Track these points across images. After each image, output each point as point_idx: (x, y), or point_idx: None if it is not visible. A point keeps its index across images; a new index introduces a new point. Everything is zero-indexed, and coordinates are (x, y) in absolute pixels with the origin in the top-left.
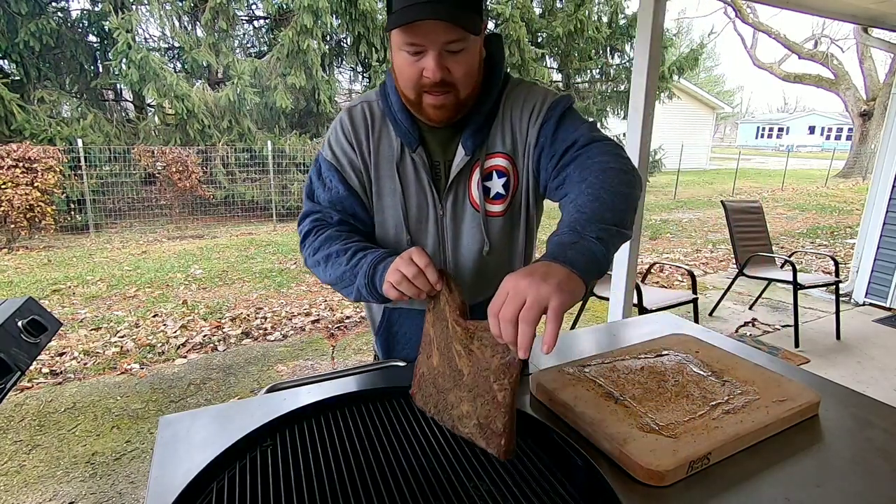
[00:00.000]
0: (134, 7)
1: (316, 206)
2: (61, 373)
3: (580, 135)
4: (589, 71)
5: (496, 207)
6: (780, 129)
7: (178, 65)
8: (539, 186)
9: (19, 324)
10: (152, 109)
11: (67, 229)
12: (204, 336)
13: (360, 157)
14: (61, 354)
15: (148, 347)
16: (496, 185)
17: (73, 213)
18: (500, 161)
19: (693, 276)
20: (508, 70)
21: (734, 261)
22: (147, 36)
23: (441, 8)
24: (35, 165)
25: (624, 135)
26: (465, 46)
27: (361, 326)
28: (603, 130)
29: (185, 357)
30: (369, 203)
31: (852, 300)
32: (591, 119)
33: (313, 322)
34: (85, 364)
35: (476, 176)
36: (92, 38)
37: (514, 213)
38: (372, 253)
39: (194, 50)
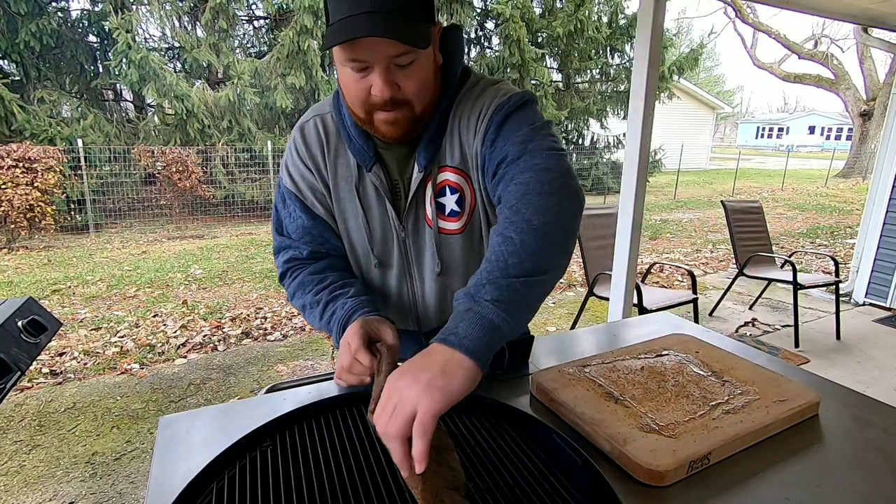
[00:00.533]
0: (134, 7)
1: (286, 240)
2: (61, 373)
3: (511, 147)
4: (589, 71)
5: (451, 225)
6: (780, 129)
7: (178, 65)
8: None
9: (19, 324)
10: (152, 109)
11: (67, 229)
12: (204, 336)
13: (320, 179)
14: (61, 354)
15: (148, 347)
16: (450, 201)
17: (73, 213)
18: (450, 176)
19: (693, 276)
20: (471, 68)
21: (734, 261)
22: (147, 36)
23: (380, 21)
24: (35, 165)
25: (624, 135)
26: (415, 58)
27: None
28: (549, 137)
29: (185, 357)
30: (336, 225)
31: (852, 300)
32: (537, 121)
33: None
34: (85, 364)
35: (429, 191)
36: (92, 38)
37: (472, 231)
38: (340, 309)
39: (194, 50)
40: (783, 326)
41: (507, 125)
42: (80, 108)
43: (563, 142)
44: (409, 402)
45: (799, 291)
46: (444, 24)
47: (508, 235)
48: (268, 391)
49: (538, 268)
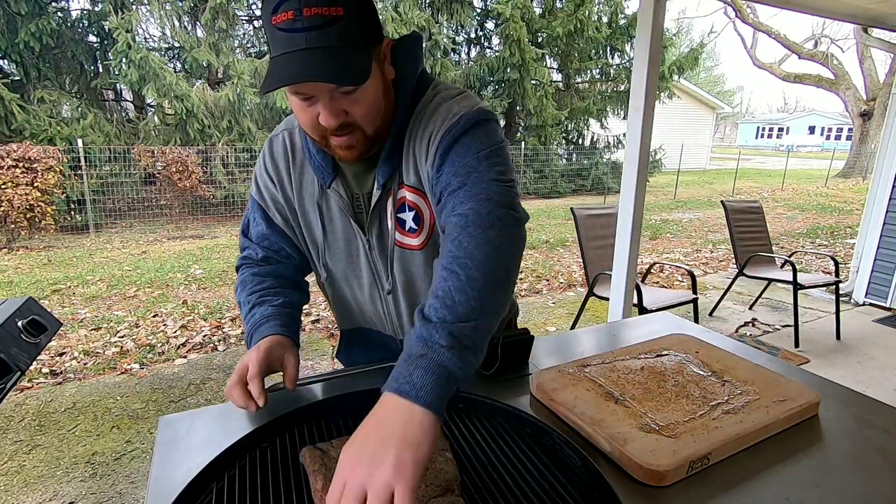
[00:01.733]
0: (134, 7)
1: (247, 241)
2: (61, 373)
3: (454, 177)
4: (589, 71)
5: (412, 241)
6: (780, 129)
7: (178, 65)
8: None
9: (19, 324)
10: (152, 109)
11: (67, 229)
12: (204, 336)
13: (283, 193)
14: (61, 354)
15: (148, 347)
16: (408, 217)
17: (73, 213)
18: (407, 194)
19: (693, 277)
20: (431, 75)
21: (734, 261)
22: (147, 36)
23: (313, 62)
24: (35, 165)
25: (624, 135)
26: (357, 88)
27: None
28: (496, 166)
29: (185, 357)
30: (298, 236)
31: (852, 300)
32: (484, 147)
33: (313, 322)
34: (85, 364)
35: (389, 206)
36: (92, 38)
37: (433, 247)
38: (257, 314)
39: (194, 50)
40: (783, 326)
41: (454, 151)
42: (80, 108)
43: (513, 167)
44: (382, 490)
45: (799, 291)
46: (439, 31)
47: (453, 270)
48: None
49: (485, 307)
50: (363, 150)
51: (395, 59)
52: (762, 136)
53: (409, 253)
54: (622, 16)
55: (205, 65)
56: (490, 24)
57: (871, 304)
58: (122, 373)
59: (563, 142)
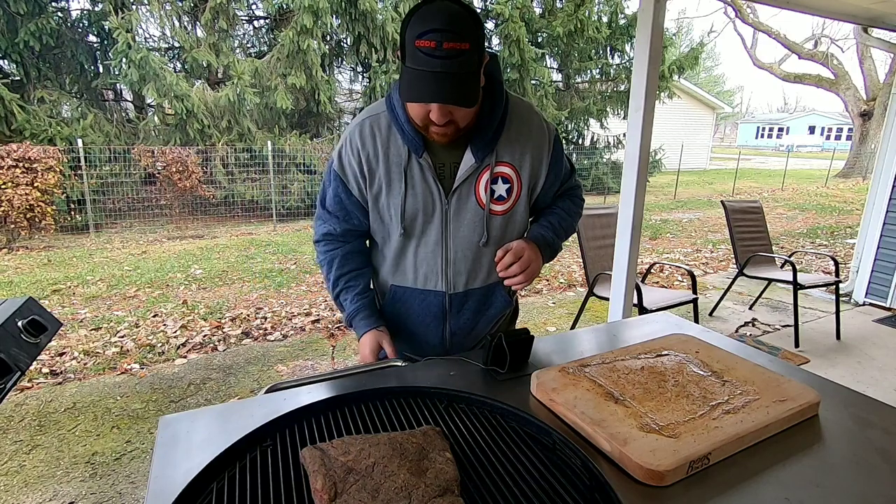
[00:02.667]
0: (134, 7)
1: (325, 212)
2: (61, 373)
3: (568, 176)
4: (589, 71)
5: (499, 207)
6: (780, 129)
7: (178, 65)
8: (532, 197)
9: (19, 324)
10: (152, 109)
11: (67, 229)
12: (204, 336)
13: (367, 166)
14: (61, 354)
15: (148, 347)
16: (500, 188)
17: (73, 213)
18: (506, 169)
19: (693, 277)
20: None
21: (734, 261)
22: (147, 36)
23: (445, 86)
24: (35, 165)
25: (624, 135)
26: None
27: None
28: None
29: (185, 357)
30: (367, 206)
31: (852, 300)
32: (569, 157)
33: (313, 322)
34: (85, 364)
35: (485, 179)
36: (92, 38)
37: (513, 214)
38: (350, 304)
39: (194, 50)
40: (783, 326)
41: (561, 153)
42: (80, 108)
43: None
44: (535, 263)
45: (799, 291)
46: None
47: (567, 214)
48: (268, 391)
49: (568, 233)
50: (454, 139)
51: (487, 70)
52: (762, 136)
53: (492, 217)
54: (622, 16)
55: (205, 65)
56: (490, 24)
57: (871, 304)
58: (122, 373)
59: (564, 142)
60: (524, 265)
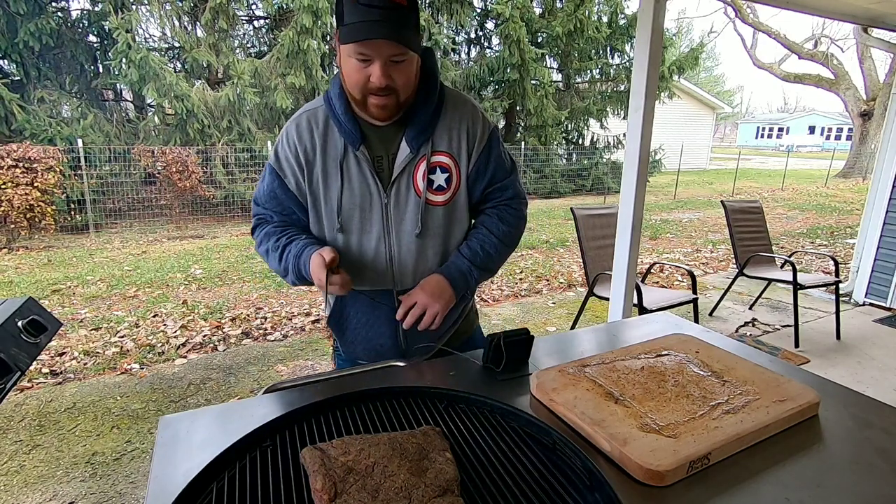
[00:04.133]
0: (134, 7)
1: (259, 208)
2: (61, 373)
3: (503, 176)
4: (589, 71)
5: (438, 198)
6: (780, 129)
7: (178, 65)
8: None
9: (19, 324)
10: (152, 109)
11: (67, 229)
12: (204, 336)
13: (304, 159)
14: (61, 354)
15: (148, 347)
16: (439, 178)
17: (73, 213)
18: (443, 159)
19: (693, 277)
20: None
21: (734, 261)
22: (147, 36)
23: (390, 28)
24: (35, 165)
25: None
26: (406, 58)
27: None
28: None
29: (185, 357)
30: (305, 201)
31: (852, 300)
32: (509, 155)
33: (313, 322)
34: (85, 364)
35: (422, 169)
36: (92, 38)
37: (455, 205)
38: (295, 246)
39: (194, 50)
40: (783, 326)
41: (496, 148)
42: (80, 108)
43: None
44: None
45: (799, 291)
46: (439, 31)
47: (492, 232)
48: (268, 391)
49: (496, 269)
50: (393, 113)
51: (425, 64)
52: (762, 136)
53: (432, 208)
54: (622, 16)
55: (205, 65)
56: (490, 24)
57: (871, 304)
58: (122, 373)
59: (563, 142)
60: (418, 312)
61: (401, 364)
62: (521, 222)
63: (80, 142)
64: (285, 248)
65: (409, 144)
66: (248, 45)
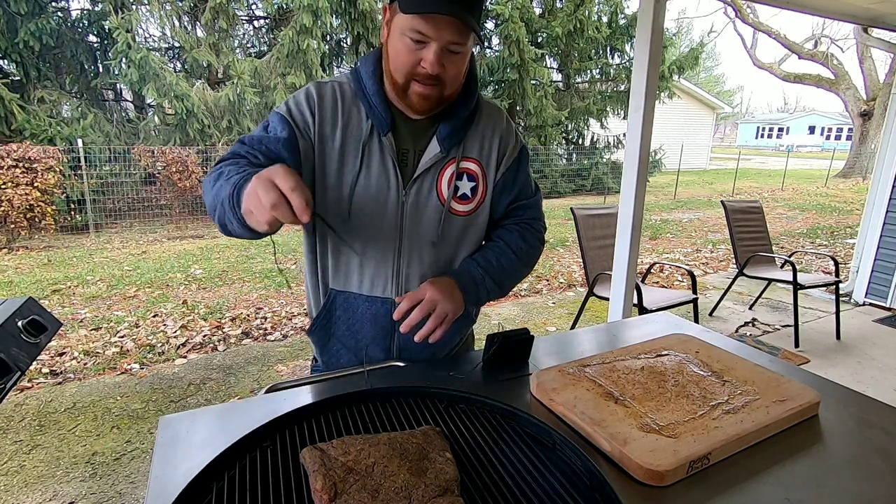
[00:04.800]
0: (134, 7)
1: (243, 146)
2: (61, 373)
3: (529, 195)
4: (589, 71)
5: (461, 207)
6: (780, 129)
7: (178, 65)
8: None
9: (19, 324)
10: (152, 109)
11: (67, 229)
12: (204, 336)
13: (319, 128)
14: (61, 354)
15: (148, 347)
16: (465, 186)
17: (73, 213)
18: (472, 166)
19: (693, 277)
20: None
21: (734, 261)
22: (147, 36)
23: (461, 8)
24: (35, 165)
25: (624, 135)
26: (462, 49)
27: None
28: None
29: (185, 357)
30: (310, 172)
31: (852, 300)
32: (534, 181)
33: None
34: (85, 364)
35: (449, 172)
36: (92, 38)
37: (476, 218)
38: (251, 172)
39: (194, 50)
40: (783, 326)
41: (525, 164)
42: (80, 108)
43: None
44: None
45: (799, 291)
46: None
47: (511, 248)
48: (268, 391)
49: (508, 290)
50: (434, 105)
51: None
52: (762, 136)
53: (454, 218)
54: (622, 16)
55: (205, 65)
56: (490, 24)
57: (871, 304)
58: (122, 373)
59: (563, 142)
60: (426, 309)
61: (400, 364)
62: (540, 246)
63: (80, 142)
64: (236, 176)
65: (441, 143)
66: (248, 45)
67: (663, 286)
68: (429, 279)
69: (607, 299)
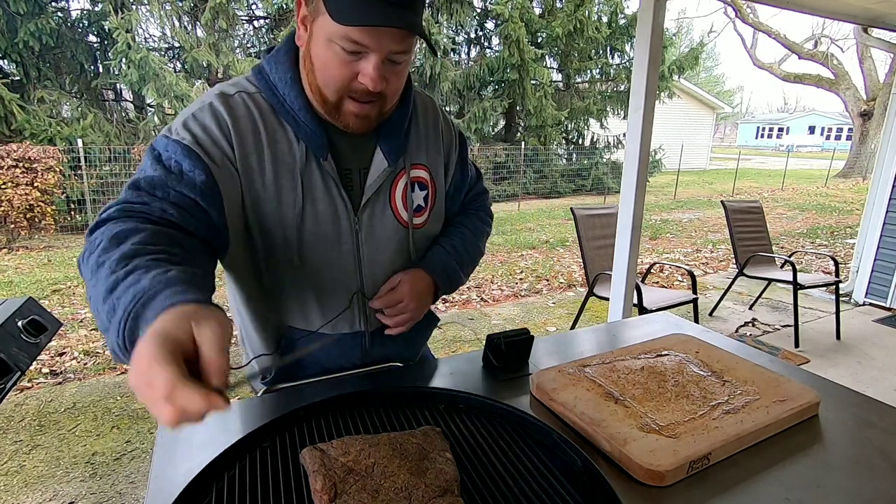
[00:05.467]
0: (134, 7)
1: (139, 194)
2: (61, 373)
3: (475, 180)
4: (589, 71)
5: (419, 220)
6: (780, 129)
7: (178, 65)
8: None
9: (19, 324)
10: (152, 109)
11: (67, 229)
12: None
13: (242, 156)
14: (61, 354)
15: None
16: (418, 197)
17: (73, 213)
18: (422, 173)
19: (693, 277)
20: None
21: (734, 261)
22: (147, 36)
23: (403, 12)
24: (35, 165)
25: (624, 135)
26: (406, 59)
27: None
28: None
29: None
30: (230, 214)
31: (852, 300)
32: (473, 161)
33: None
34: (85, 364)
35: (401, 186)
36: (92, 38)
37: (431, 224)
38: (144, 281)
39: (194, 50)
40: (783, 326)
41: (466, 152)
42: (80, 108)
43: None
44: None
45: (799, 291)
46: (439, 31)
47: (470, 230)
48: (268, 391)
49: (475, 258)
50: (372, 125)
51: None
52: (762, 136)
53: (417, 234)
54: (622, 16)
55: (205, 65)
56: (490, 24)
57: (871, 304)
58: (122, 373)
59: (563, 142)
60: (406, 318)
61: (399, 364)
62: (491, 220)
63: (80, 142)
64: (135, 272)
65: (387, 156)
66: (248, 45)
67: (663, 286)
68: (406, 273)
69: (607, 299)
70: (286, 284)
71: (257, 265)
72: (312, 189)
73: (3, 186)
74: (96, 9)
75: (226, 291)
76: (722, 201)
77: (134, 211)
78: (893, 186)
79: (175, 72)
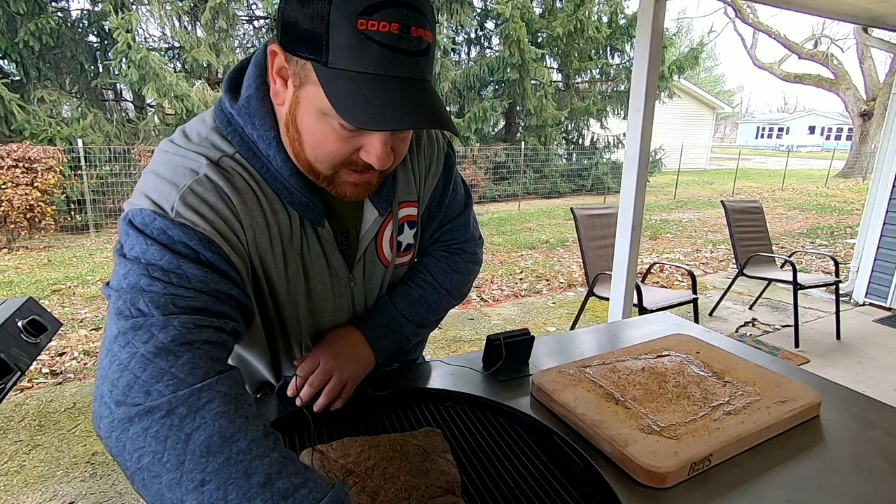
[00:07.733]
0: (134, 7)
1: (196, 295)
2: (61, 373)
3: (457, 212)
4: (589, 71)
5: (404, 259)
6: (780, 129)
7: (178, 65)
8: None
9: (19, 324)
10: (152, 109)
11: (67, 229)
12: None
13: (254, 242)
14: (61, 354)
15: None
16: (407, 236)
17: (73, 213)
18: (411, 211)
19: (693, 277)
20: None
21: (734, 261)
22: (147, 36)
23: (426, 107)
24: (35, 165)
25: (624, 135)
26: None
27: None
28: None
29: None
30: (251, 297)
31: (852, 300)
32: (464, 182)
33: None
34: (85, 364)
35: (388, 232)
36: (92, 38)
37: (413, 256)
38: (313, 485)
39: (194, 50)
40: (783, 326)
41: (452, 175)
42: (80, 108)
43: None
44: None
45: (799, 291)
46: (439, 31)
47: (446, 282)
48: (266, 392)
49: (434, 324)
50: (373, 190)
51: None
52: (762, 136)
53: (395, 271)
54: (622, 16)
55: (205, 65)
56: (490, 24)
57: (871, 304)
58: None
59: (563, 142)
60: (319, 381)
61: (398, 366)
62: (475, 269)
63: (80, 142)
64: (280, 480)
65: (377, 205)
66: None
67: (663, 286)
68: (326, 338)
69: (607, 299)
70: (288, 351)
71: (253, 338)
72: (312, 260)
73: (3, 186)
74: (96, 9)
75: None
76: (722, 201)
77: (203, 326)
78: (893, 186)
79: (175, 72)
